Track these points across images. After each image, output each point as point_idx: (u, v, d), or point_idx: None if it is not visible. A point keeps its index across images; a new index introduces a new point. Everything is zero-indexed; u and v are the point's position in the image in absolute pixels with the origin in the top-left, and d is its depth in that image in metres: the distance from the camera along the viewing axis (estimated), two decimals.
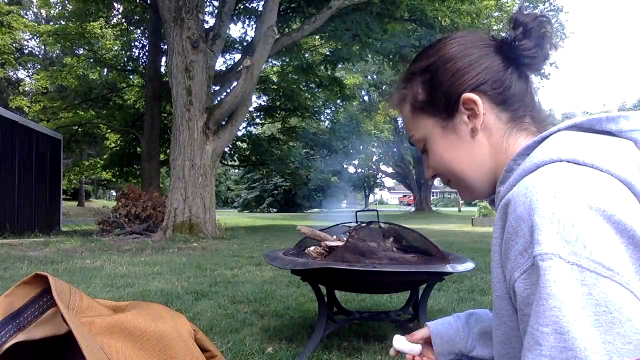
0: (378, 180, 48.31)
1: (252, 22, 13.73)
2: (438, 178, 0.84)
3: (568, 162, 0.60)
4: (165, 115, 15.40)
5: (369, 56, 13.42)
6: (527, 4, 24.02)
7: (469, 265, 2.07)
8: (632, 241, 0.52)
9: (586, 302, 0.49)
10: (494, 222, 0.66)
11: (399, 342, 1.00)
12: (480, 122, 0.73)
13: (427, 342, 0.99)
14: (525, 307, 0.55)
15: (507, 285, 0.61)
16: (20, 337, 0.66)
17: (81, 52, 17.64)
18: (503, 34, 0.77)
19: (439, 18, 12.44)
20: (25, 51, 23.96)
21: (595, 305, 0.49)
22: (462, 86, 0.73)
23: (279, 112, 17.92)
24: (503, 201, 0.62)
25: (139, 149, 15.85)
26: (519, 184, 0.61)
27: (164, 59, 13.38)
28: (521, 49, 0.72)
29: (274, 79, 17.62)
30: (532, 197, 0.56)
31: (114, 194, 34.63)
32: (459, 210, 34.74)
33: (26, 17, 22.03)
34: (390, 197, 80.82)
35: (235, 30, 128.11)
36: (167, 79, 10.86)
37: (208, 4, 13.69)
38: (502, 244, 0.61)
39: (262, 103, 19.08)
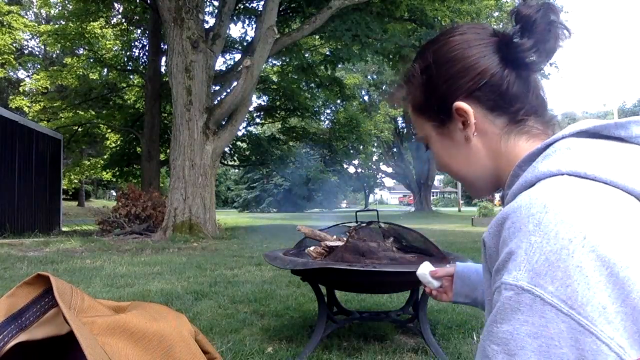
0: (378, 180, 48.31)
1: (252, 22, 13.72)
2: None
3: (569, 175, 0.57)
4: (165, 115, 15.40)
5: (369, 56, 13.42)
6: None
7: None
8: (613, 279, 0.48)
9: (540, 334, 0.49)
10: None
11: (424, 270, 1.09)
12: (472, 131, 0.72)
13: (450, 280, 1.08)
14: (489, 319, 0.56)
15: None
16: (22, 337, 0.66)
17: (81, 52, 17.65)
18: (507, 29, 0.73)
19: (439, 18, 12.45)
20: (25, 51, 23.98)
21: (548, 338, 0.49)
22: (455, 93, 0.71)
23: (279, 112, 17.91)
24: (501, 214, 0.60)
25: (139, 149, 15.85)
26: (516, 199, 0.59)
27: (164, 59, 13.38)
28: (519, 50, 0.68)
29: (274, 79, 17.62)
30: (518, 221, 0.55)
31: (114, 194, 34.61)
32: (459, 210, 34.75)
33: (26, 17, 22.02)
34: (390, 197, 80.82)
35: (235, 30, 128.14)
36: (167, 79, 10.86)
37: (208, 4, 13.70)
38: (493, 253, 0.62)
39: (262, 103, 19.09)
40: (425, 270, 1.09)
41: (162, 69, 13.94)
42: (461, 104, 0.71)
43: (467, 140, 0.72)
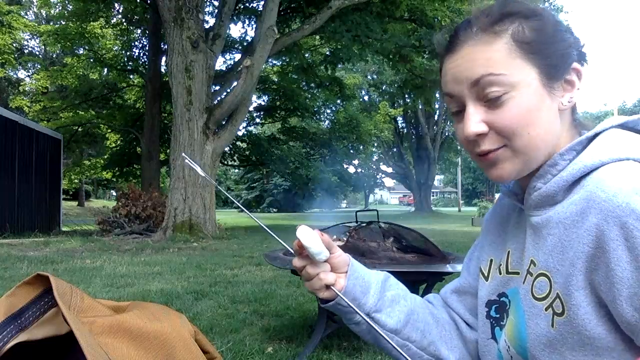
0: (378, 180, 48.28)
1: (252, 22, 13.73)
2: (478, 137, 0.67)
3: (634, 161, 0.59)
4: (165, 115, 15.40)
5: (369, 56, 13.41)
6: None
7: None
8: None
9: None
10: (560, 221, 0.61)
11: (311, 233, 0.70)
12: (571, 97, 0.66)
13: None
14: None
15: (592, 290, 0.58)
16: (22, 337, 0.66)
17: (81, 52, 17.65)
18: None
19: (439, 18, 12.44)
20: (25, 51, 23.96)
21: None
22: (572, 55, 0.66)
23: (279, 112, 17.92)
24: (585, 198, 0.58)
25: (139, 149, 15.86)
26: (599, 181, 0.58)
27: (164, 59, 13.38)
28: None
29: (274, 79, 17.63)
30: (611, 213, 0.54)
31: (114, 194, 34.61)
32: (459, 210, 34.77)
33: (26, 17, 22.01)
34: (390, 197, 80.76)
35: (235, 30, 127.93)
36: (167, 79, 10.87)
37: (208, 4, 13.69)
38: (589, 250, 0.57)
39: (262, 103, 19.10)
40: (312, 233, 0.69)
41: (162, 69, 13.94)
42: (579, 66, 0.66)
43: (562, 106, 0.66)
